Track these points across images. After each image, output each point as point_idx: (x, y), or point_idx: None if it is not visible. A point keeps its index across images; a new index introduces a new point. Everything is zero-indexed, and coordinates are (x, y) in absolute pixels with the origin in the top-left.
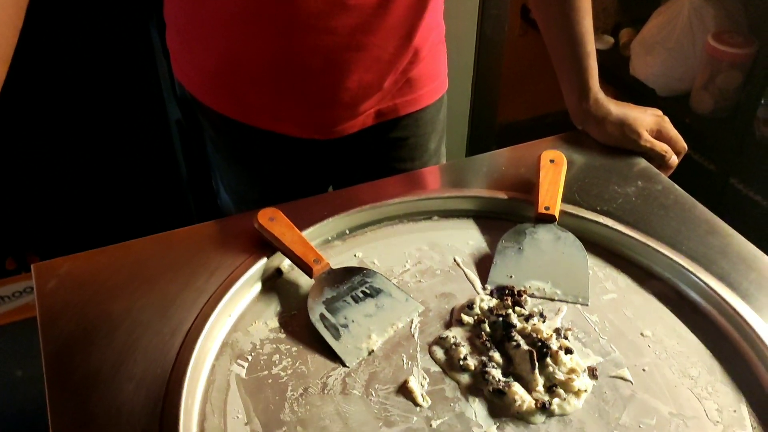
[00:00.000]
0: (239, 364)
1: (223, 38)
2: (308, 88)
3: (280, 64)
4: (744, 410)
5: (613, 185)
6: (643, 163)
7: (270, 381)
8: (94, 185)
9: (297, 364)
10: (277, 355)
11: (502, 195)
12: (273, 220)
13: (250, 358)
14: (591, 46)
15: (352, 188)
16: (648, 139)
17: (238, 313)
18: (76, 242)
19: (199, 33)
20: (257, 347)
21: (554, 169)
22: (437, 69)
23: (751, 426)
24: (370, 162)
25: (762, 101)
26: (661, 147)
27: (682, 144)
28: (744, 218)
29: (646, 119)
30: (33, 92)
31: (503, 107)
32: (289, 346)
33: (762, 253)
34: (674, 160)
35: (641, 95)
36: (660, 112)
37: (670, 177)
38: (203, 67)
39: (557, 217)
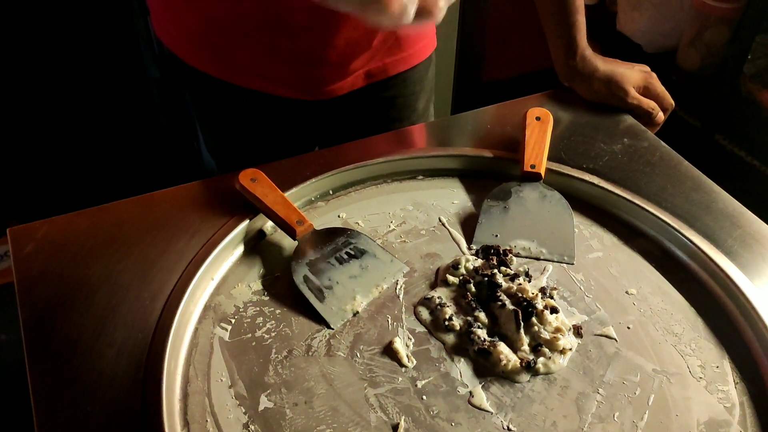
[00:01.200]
0: (222, 327)
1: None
2: (295, 46)
3: (266, 21)
4: (726, 366)
5: (599, 143)
6: (629, 120)
7: (254, 344)
8: (73, 148)
9: (281, 326)
10: (261, 318)
11: (487, 153)
12: (255, 181)
13: (233, 321)
14: (580, 1)
15: (335, 148)
16: (635, 96)
17: (220, 275)
18: (57, 206)
19: None
20: (240, 310)
21: (540, 126)
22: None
23: (733, 381)
24: (357, 122)
25: (749, 57)
26: (648, 104)
27: (669, 100)
28: (729, 174)
29: (633, 76)
30: (9, 52)
31: (489, 65)
32: (272, 309)
33: (746, 209)
34: (661, 116)
35: (628, 51)
36: (647, 69)
37: (656, 133)
38: (186, 26)
39: (543, 175)
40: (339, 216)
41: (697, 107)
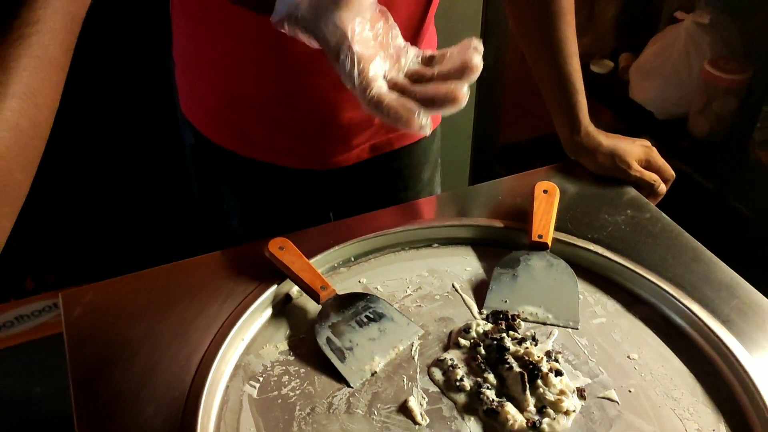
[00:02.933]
0: (251, 385)
1: (225, 79)
2: (303, 124)
3: (276, 102)
4: (723, 430)
5: (604, 214)
6: (632, 192)
7: (279, 401)
8: (109, 207)
9: (305, 384)
10: (287, 377)
11: (498, 223)
12: (283, 249)
13: (261, 379)
14: (579, 83)
15: (356, 217)
16: (637, 169)
17: (250, 336)
18: (93, 263)
19: (204, 73)
20: (268, 369)
21: (547, 199)
22: None
23: None
24: (365, 191)
25: (757, 125)
26: (650, 176)
27: (670, 172)
28: (739, 234)
29: (635, 150)
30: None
31: (506, 128)
32: (297, 368)
33: (743, 280)
34: (662, 188)
35: (640, 118)
36: (648, 143)
37: (666, 199)
38: (207, 105)
39: (550, 244)
40: (360, 281)
41: (708, 171)
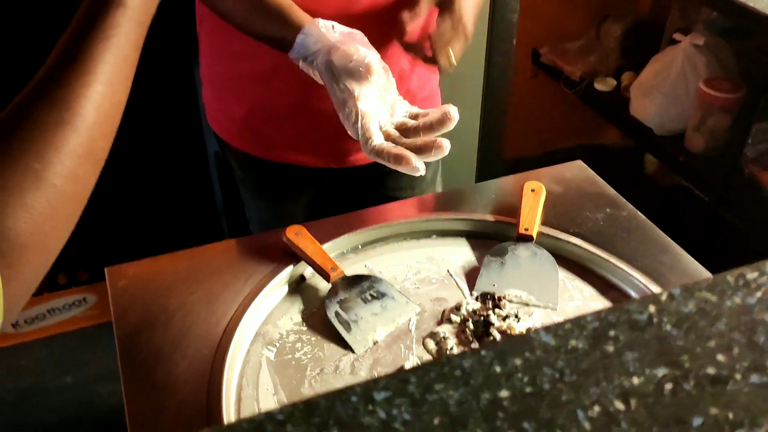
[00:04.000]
0: (269, 349)
1: (251, 94)
2: (323, 127)
3: (299, 110)
4: None
5: (585, 211)
6: (611, 192)
7: (293, 363)
8: (137, 209)
9: (315, 350)
10: (300, 343)
11: (489, 218)
12: (298, 235)
13: (277, 345)
14: None
15: (364, 210)
16: None
17: (268, 310)
18: (119, 260)
19: (230, 90)
20: (284, 336)
21: (534, 197)
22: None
23: None
24: (374, 189)
25: (749, 141)
26: None
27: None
28: (730, 243)
29: None
30: None
31: (512, 143)
32: (309, 336)
33: (704, 269)
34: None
35: (640, 134)
36: None
37: (664, 210)
38: (233, 117)
39: (535, 237)
40: (366, 266)
41: (704, 185)
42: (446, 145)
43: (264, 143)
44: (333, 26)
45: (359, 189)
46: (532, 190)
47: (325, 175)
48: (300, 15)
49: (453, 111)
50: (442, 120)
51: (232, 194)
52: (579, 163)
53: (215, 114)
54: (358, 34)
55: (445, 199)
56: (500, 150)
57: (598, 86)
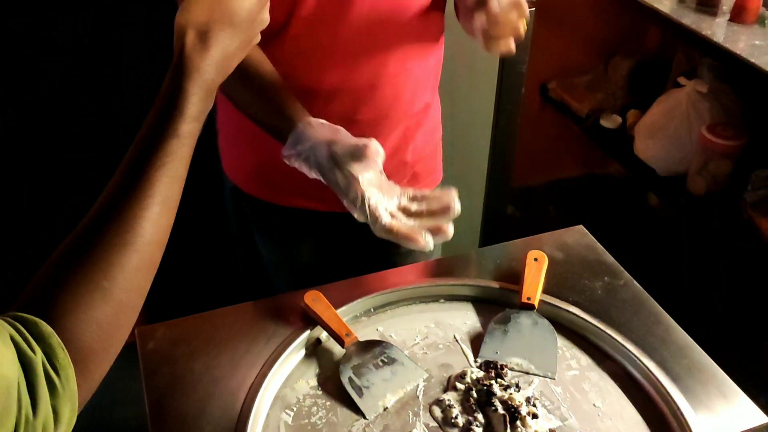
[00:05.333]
0: (287, 413)
1: (265, 145)
2: None
3: None
4: None
5: (584, 279)
6: (610, 260)
7: (309, 428)
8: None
9: (330, 415)
10: (315, 407)
11: (494, 284)
12: (315, 301)
13: (295, 408)
14: None
15: (376, 274)
16: None
17: (287, 373)
18: (153, 300)
19: (245, 141)
20: (300, 401)
21: (536, 266)
22: (434, 165)
23: None
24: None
25: (749, 187)
26: None
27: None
28: (731, 287)
29: None
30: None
31: (520, 172)
32: (324, 401)
33: (694, 343)
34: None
35: (643, 173)
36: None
37: (663, 252)
38: (246, 164)
39: (536, 305)
40: (377, 329)
41: (704, 228)
42: (450, 230)
43: (275, 190)
44: (324, 122)
45: (363, 231)
46: (535, 259)
47: (332, 219)
48: (295, 111)
49: (456, 205)
50: (445, 211)
51: (246, 226)
52: (580, 228)
53: (229, 160)
54: (342, 129)
55: (452, 264)
56: (509, 179)
57: (604, 123)
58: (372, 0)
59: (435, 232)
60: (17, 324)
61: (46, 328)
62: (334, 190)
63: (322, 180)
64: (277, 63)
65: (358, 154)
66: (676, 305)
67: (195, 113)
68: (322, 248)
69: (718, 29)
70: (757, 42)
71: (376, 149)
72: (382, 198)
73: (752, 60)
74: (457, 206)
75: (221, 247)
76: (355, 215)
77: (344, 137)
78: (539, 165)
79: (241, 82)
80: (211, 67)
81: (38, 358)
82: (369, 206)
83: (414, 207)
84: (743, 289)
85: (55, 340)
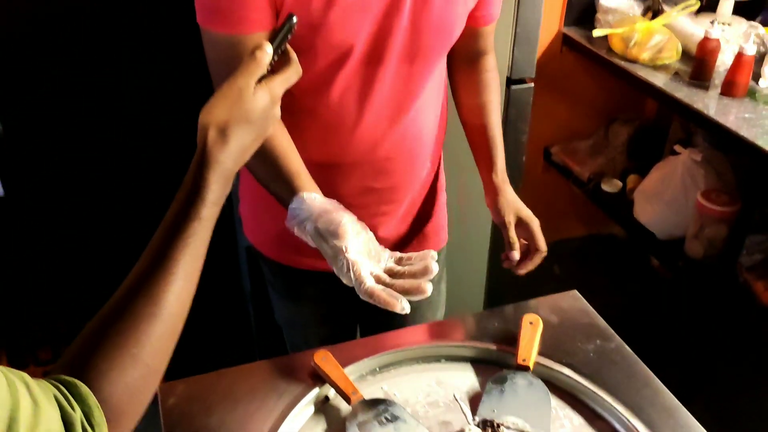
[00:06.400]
0: None
1: (284, 211)
2: None
3: None
4: None
5: (577, 342)
6: (602, 323)
7: None
8: None
9: None
10: None
11: (492, 346)
12: (324, 360)
13: None
14: (499, 140)
15: (382, 335)
16: (510, 222)
17: (296, 429)
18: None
19: (265, 207)
20: None
21: (532, 329)
22: (440, 226)
23: None
24: None
25: (744, 251)
26: (512, 236)
27: (542, 246)
28: (726, 349)
29: (522, 211)
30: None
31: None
32: None
33: (681, 404)
34: (515, 255)
35: (643, 236)
36: (536, 220)
37: (663, 312)
38: (268, 231)
39: (531, 367)
40: (382, 387)
41: (701, 291)
42: (429, 289)
43: (293, 253)
44: (315, 197)
45: None
46: (530, 323)
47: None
48: (300, 183)
49: (433, 265)
50: (424, 272)
51: (260, 284)
52: (574, 293)
53: (251, 226)
54: (335, 202)
55: (453, 326)
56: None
57: (605, 187)
58: (391, 84)
59: (414, 291)
60: (60, 386)
61: (85, 389)
62: (325, 258)
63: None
64: (303, 140)
65: (336, 231)
66: (673, 365)
67: (215, 199)
68: (334, 307)
69: (710, 102)
70: (746, 115)
71: (351, 226)
72: (368, 263)
73: (741, 132)
74: (434, 267)
75: (234, 305)
76: (344, 281)
77: (328, 213)
78: (543, 225)
79: (256, 154)
80: (229, 159)
81: (77, 416)
82: (353, 272)
83: (397, 269)
84: (739, 349)
85: (92, 400)
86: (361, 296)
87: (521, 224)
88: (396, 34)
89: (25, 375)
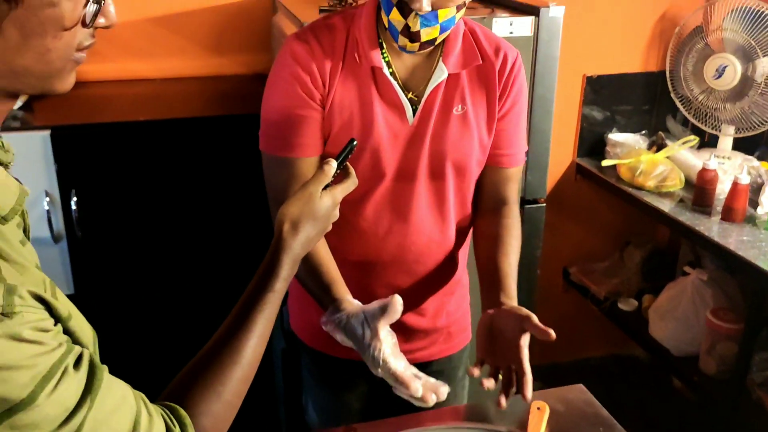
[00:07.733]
0: None
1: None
2: None
3: None
4: None
5: (582, 430)
6: (605, 413)
7: None
8: None
9: None
10: None
11: (503, 428)
12: None
13: None
14: (511, 272)
15: (405, 416)
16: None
17: None
18: None
19: (313, 301)
20: None
21: (539, 414)
22: (464, 326)
23: None
24: None
25: (753, 368)
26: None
27: (523, 369)
28: None
29: (517, 335)
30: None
31: (545, 350)
32: None
33: None
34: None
35: (659, 353)
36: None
37: (678, 427)
38: (314, 322)
39: None
40: None
41: (715, 406)
42: (445, 392)
43: (338, 345)
44: (353, 300)
45: None
46: (538, 408)
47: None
48: (338, 289)
49: (441, 395)
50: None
51: (292, 387)
52: (580, 387)
53: (297, 319)
54: (373, 304)
55: (469, 411)
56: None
57: (622, 306)
58: (418, 200)
59: (433, 392)
60: (165, 409)
61: (183, 412)
62: (357, 349)
63: (351, 344)
64: (342, 242)
65: (384, 308)
66: None
67: (285, 276)
68: (370, 396)
69: (712, 226)
70: (744, 238)
71: (397, 301)
72: (394, 356)
73: (740, 253)
74: (442, 396)
75: (267, 408)
76: (369, 366)
77: (370, 305)
78: (564, 343)
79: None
80: (298, 246)
81: (177, 430)
82: (385, 361)
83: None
84: None
85: (188, 421)
86: (392, 384)
87: (498, 344)
88: (421, 159)
89: (143, 395)
